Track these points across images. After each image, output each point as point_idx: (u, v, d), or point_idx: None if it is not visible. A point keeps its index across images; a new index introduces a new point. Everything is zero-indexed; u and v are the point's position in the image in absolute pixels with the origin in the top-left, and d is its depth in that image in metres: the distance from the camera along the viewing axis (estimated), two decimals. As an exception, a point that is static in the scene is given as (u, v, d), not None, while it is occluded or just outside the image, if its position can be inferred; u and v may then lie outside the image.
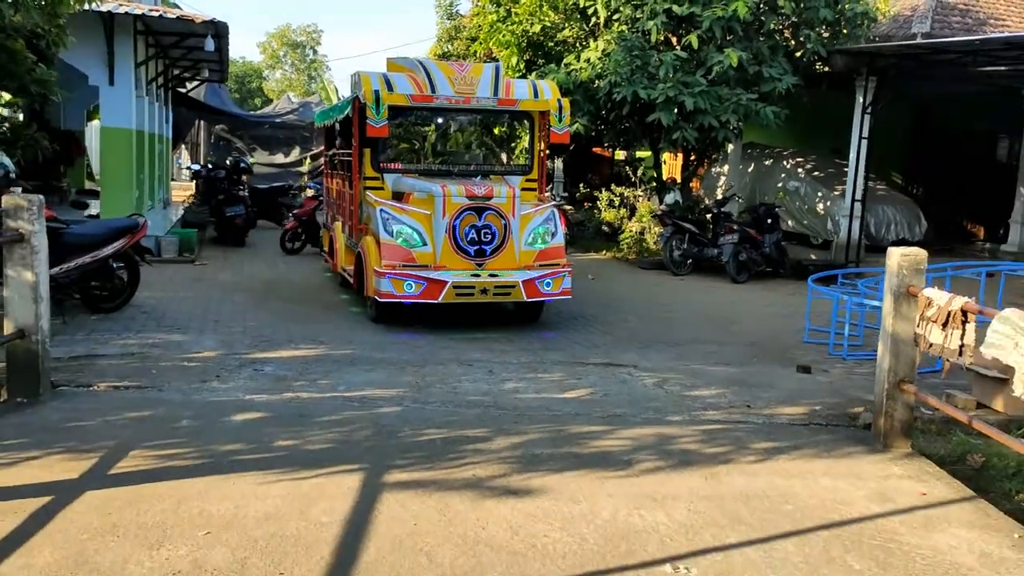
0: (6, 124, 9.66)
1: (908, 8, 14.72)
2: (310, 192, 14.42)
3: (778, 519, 3.52)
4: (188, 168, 15.83)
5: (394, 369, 5.99)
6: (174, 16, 10.72)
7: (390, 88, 7.90)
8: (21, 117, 12.93)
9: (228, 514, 3.30)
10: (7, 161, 7.29)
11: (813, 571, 3.07)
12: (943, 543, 3.36)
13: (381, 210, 7.64)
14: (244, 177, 15.48)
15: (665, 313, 9.44)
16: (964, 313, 3.92)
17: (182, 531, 3.13)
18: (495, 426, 4.62)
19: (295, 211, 13.73)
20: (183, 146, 28.07)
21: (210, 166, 16.34)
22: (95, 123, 18.50)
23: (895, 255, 4.47)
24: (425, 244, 7.52)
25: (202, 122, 25.78)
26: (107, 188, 11.87)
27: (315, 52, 60.59)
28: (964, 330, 3.91)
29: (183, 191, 20.04)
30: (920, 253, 4.41)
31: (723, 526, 3.42)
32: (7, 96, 10.20)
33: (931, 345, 4.12)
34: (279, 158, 24.34)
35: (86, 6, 6.45)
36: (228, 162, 15.59)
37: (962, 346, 3.92)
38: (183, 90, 20.30)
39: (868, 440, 4.63)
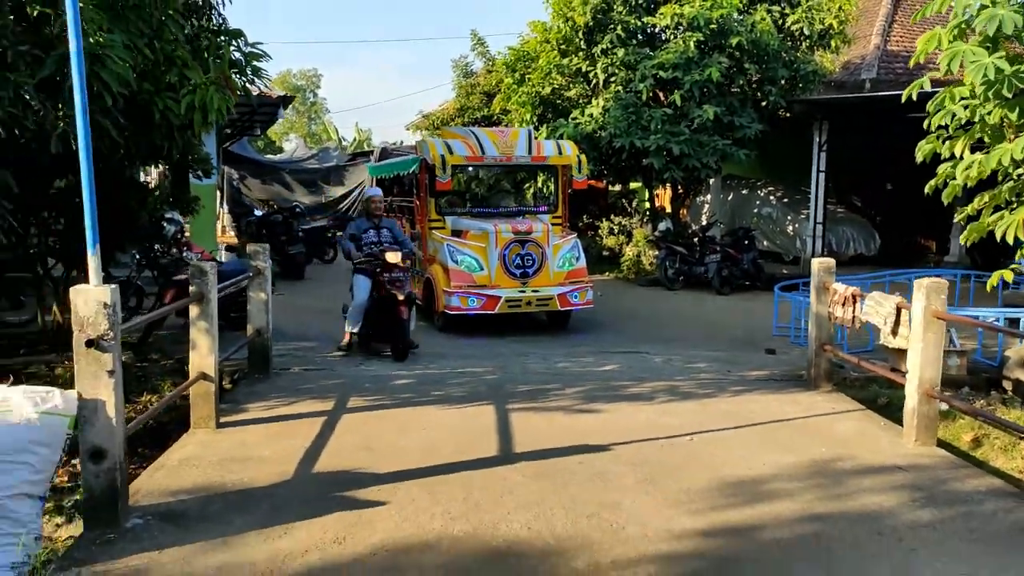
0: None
1: (858, 57, 17.36)
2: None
3: (743, 420, 5.98)
4: (251, 214, 18.24)
5: (475, 359, 8.39)
6: (259, 93, 13.20)
7: (451, 151, 10.41)
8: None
9: (433, 421, 5.76)
10: (178, 216, 9.69)
11: (762, 437, 5.53)
12: (839, 427, 5.84)
13: (447, 244, 10.11)
14: (294, 221, 17.94)
15: (663, 319, 11.92)
16: (854, 296, 6.42)
17: (412, 429, 5.58)
18: (562, 383, 7.08)
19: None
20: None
21: (269, 211, 18.75)
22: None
23: (815, 263, 6.99)
24: (483, 269, 9.98)
25: (225, 168, 28.19)
26: (196, 236, 14.28)
27: (315, 95, 63.59)
28: (854, 307, 6.41)
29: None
30: (829, 261, 6.94)
31: (711, 423, 5.87)
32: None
33: (836, 318, 6.62)
34: (302, 199, 26.73)
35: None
36: (286, 207, 18.06)
37: (853, 317, 6.41)
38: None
39: (805, 385, 7.10)
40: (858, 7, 15.30)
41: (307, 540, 3.84)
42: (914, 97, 6.29)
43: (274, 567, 3.58)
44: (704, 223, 16.57)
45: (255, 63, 8.12)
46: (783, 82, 14.31)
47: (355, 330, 8.38)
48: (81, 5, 5.61)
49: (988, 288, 6.79)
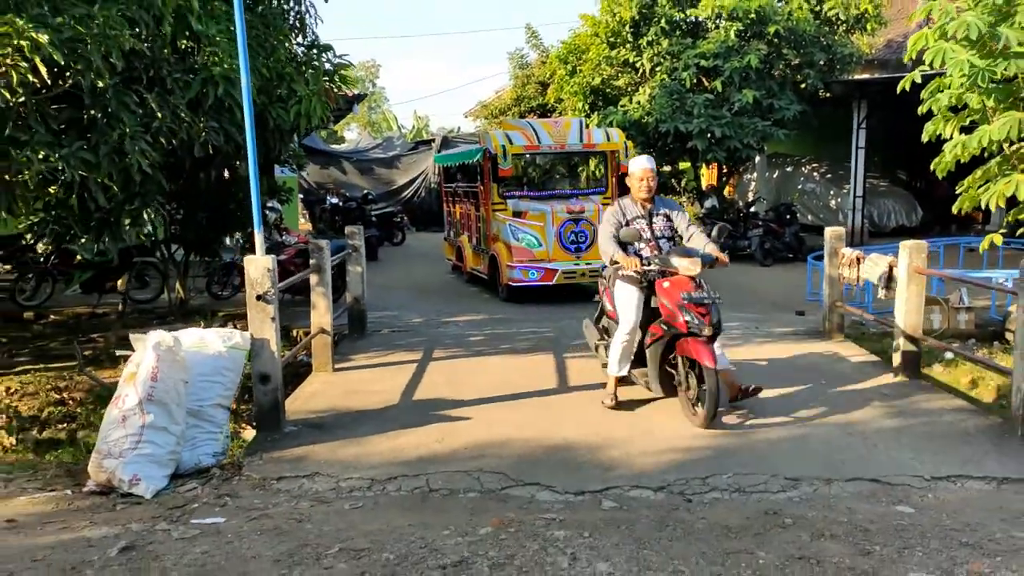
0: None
1: (900, 35, 18.05)
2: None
3: (766, 355, 7.17)
4: (330, 201, 19.84)
5: (538, 324, 9.66)
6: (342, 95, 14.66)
7: (511, 141, 11.69)
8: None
9: (503, 365, 7.13)
10: (277, 205, 11.21)
11: (772, 373, 6.72)
12: (840, 366, 6.99)
13: (509, 224, 11.42)
14: (367, 207, 19.52)
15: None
16: (858, 259, 7.53)
17: (486, 371, 6.95)
18: (610, 338, 8.35)
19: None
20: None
21: (344, 199, 20.31)
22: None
23: (828, 232, 8.11)
24: (541, 245, 11.27)
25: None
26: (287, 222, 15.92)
27: (374, 85, 65.48)
28: (859, 268, 7.52)
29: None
30: (839, 229, 8.06)
31: (738, 358, 7.07)
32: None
33: (844, 277, 7.74)
34: (357, 183, 28.13)
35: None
36: (359, 195, 19.65)
37: (858, 276, 7.53)
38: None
39: (821, 337, 8.23)
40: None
41: (415, 440, 5.24)
42: (907, 88, 7.35)
43: (395, 455, 4.98)
44: (749, 200, 17.55)
45: (342, 72, 9.56)
46: (821, 65, 15.17)
47: (623, 372, 5.75)
48: (219, 38, 7.12)
49: (981, 251, 7.81)
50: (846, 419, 5.54)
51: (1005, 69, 6.59)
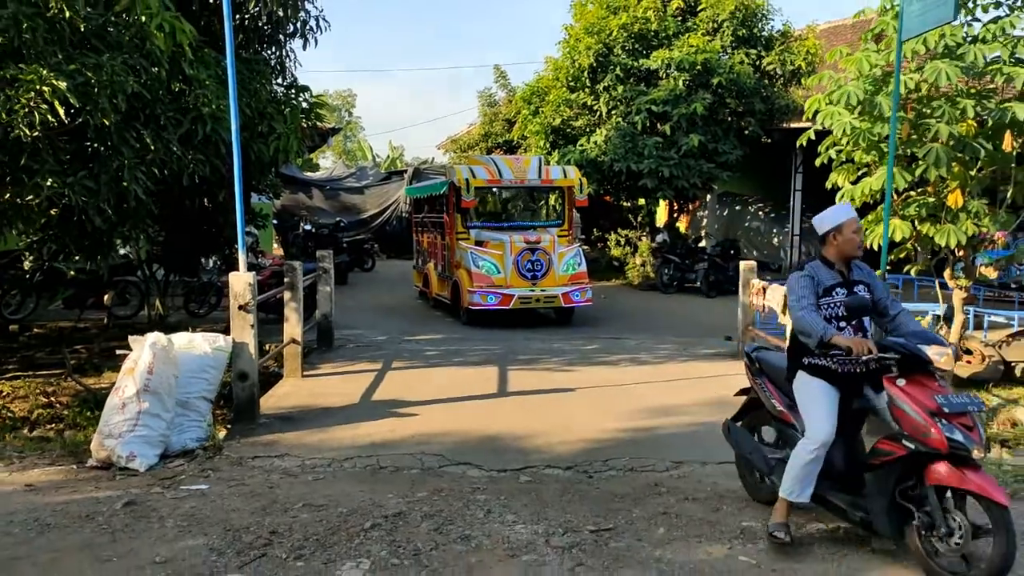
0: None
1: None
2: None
3: (678, 376, 8.22)
4: (304, 228, 20.75)
5: (490, 343, 10.65)
6: (323, 127, 15.67)
7: (474, 175, 12.73)
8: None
9: (453, 375, 8.10)
10: (254, 230, 12.13)
11: (686, 386, 7.76)
12: (743, 378, 8.03)
13: (471, 252, 12.43)
14: (339, 234, 20.48)
15: (653, 316, 14.12)
16: (764, 288, 8.64)
17: (438, 378, 7.92)
18: (551, 355, 9.38)
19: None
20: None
21: (318, 226, 21.22)
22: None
23: (742, 265, 9.22)
24: (500, 272, 12.28)
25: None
26: (262, 246, 16.83)
27: (350, 114, 66.77)
28: (764, 296, 8.62)
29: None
30: (751, 263, 9.16)
31: (652, 377, 8.12)
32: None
33: (754, 305, 8.84)
34: (321, 205, 28.89)
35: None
36: (332, 222, 20.61)
37: (763, 304, 8.63)
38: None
39: (735, 356, 9.30)
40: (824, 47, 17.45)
41: (370, 431, 6.19)
42: (804, 144, 8.54)
43: (352, 442, 5.93)
44: (697, 236, 18.79)
45: (318, 110, 10.60)
46: (761, 113, 16.49)
47: (804, 499, 4.16)
48: (208, 82, 8.11)
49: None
50: (735, 420, 6.58)
51: (881, 130, 7.79)
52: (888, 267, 8.90)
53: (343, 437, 6.04)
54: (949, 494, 3.77)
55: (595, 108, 16.98)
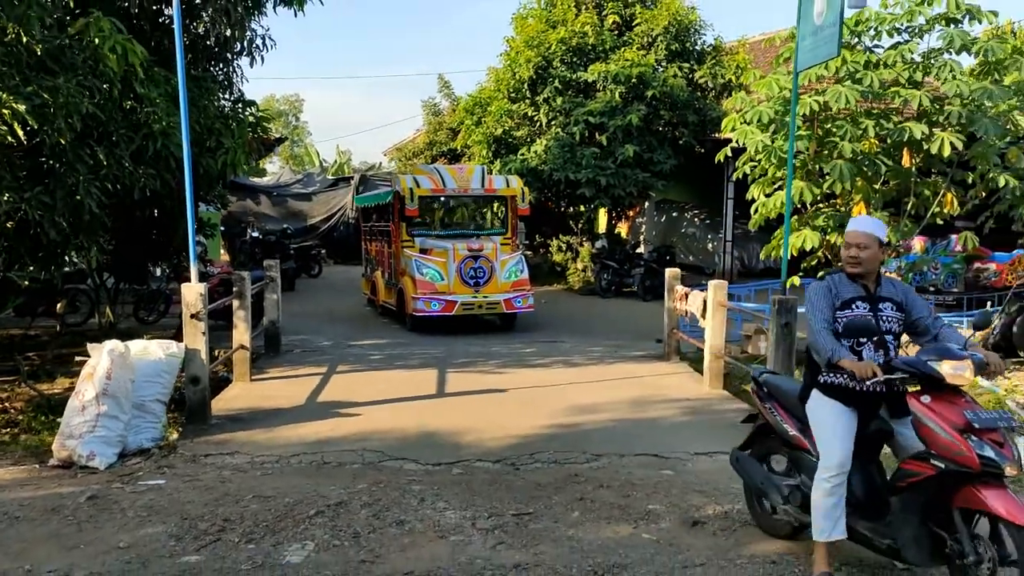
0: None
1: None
2: None
3: (605, 377, 8.84)
4: (250, 235, 20.94)
5: (432, 348, 11.15)
6: (269, 139, 15.98)
7: (418, 184, 13.19)
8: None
9: (395, 377, 8.59)
10: (203, 239, 12.42)
11: (612, 386, 8.38)
12: (667, 380, 8.71)
13: (415, 259, 12.90)
14: (287, 241, 20.75)
15: (590, 320, 14.75)
16: (686, 295, 9.32)
17: (380, 381, 8.40)
18: (488, 358, 9.93)
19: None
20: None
21: (265, 232, 21.43)
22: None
23: (667, 272, 9.91)
24: (443, 279, 12.74)
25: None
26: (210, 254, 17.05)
27: (297, 119, 66.51)
28: (688, 302, 9.29)
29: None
30: (675, 270, 9.87)
31: (582, 378, 8.72)
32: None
33: (678, 310, 9.52)
34: (268, 212, 28.99)
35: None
36: (279, 229, 20.87)
37: (686, 309, 9.31)
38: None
39: (662, 358, 9.98)
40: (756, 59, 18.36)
41: (315, 429, 6.67)
42: (722, 160, 9.27)
43: (298, 440, 6.40)
44: (635, 242, 19.55)
45: (264, 123, 11.00)
46: (694, 124, 17.29)
47: (839, 535, 3.89)
48: (158, 100, 8.48)
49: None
50: (653, 415, 7.23)
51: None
52: (802, 274, 9.70)
53: (290, 435, 6.50)
54: (981, 518, 3.57)
55: (535, 119, 17.60)
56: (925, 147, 8.40)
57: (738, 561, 4.26)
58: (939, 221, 9.51)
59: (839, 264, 4.19)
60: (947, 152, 8.08)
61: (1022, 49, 8.58)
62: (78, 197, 7.55)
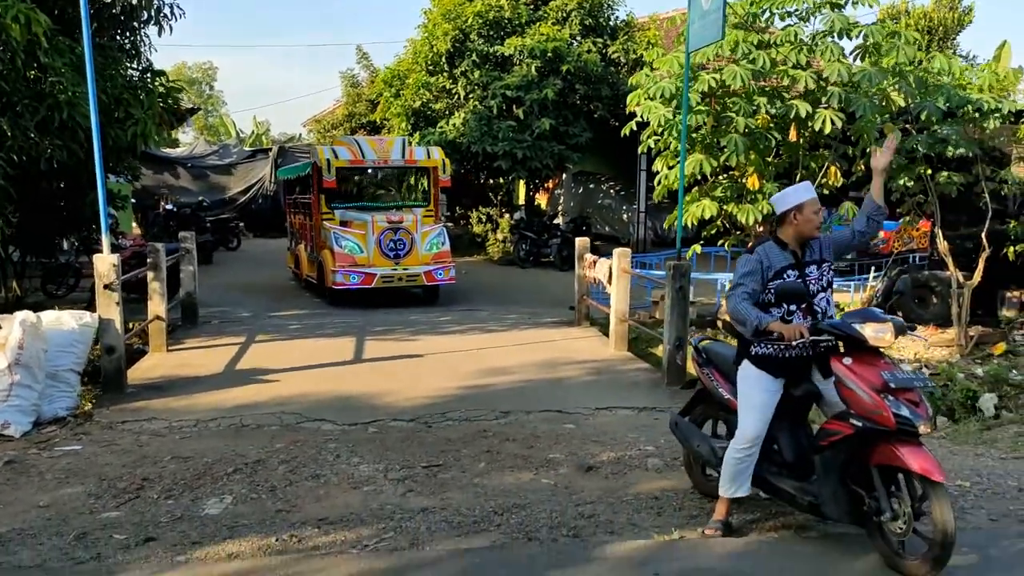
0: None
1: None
2: None
3: (517, 342, 9.23)
4: (164, 208, 20.50)
5: (351, 317, 11.32)
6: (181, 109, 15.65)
7: (336, 156, 13.21)
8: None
9: (313, 345, 8.78)
10: (114, 212, 12.24)
11: (523, 350, 8.77)
12: (577, 344, 9.15)
13: (334, 232, 12.96)
14: (202, 213, 20.43)
15: (509, 289, 15.11)
16: (594, 262, 9.76)
17: (298, 349, 8.59)
18: (405, 326, 10.21)
19: None
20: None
21: (179, 205, 21.03)
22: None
23: (577, 242, 10.32)
24: (363, 251, 12.82)
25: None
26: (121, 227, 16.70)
27: (211, 88, 64.59)
28: (596, 270, 9.73)
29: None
30: (585, 240, 10.30)
31: (495, 343, 9.09)
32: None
33: (587, 277, 9.96)
34: (188, 186, 28.38)
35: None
36: (195, 201, 20.53)
37: (595, 277, 9.75)
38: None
39: (573, 324, 10.42)
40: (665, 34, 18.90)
41: (234, 395, 6.85)
42: (627, 134, 9.70)
43: (216, 405, 6.58)
44: (553, 213, 20.00)
45: (175, 94, 10.90)
46: (608, 98, 17.75)
47: (743, 492, 4.17)
48: (63, 69, 8.38)
49: (688, 257, 10.24)
50: (560, 375, 7.66)
51: (690, 121, 9.00)
52: (702, 242, 10.24)
53: (208, 402, 6.67)
54: (901, 476, 3.73)
55: (454, 92, 17.77)
56: (810, 124, 8.98)
57: (625, 498, 4.70)
58: (825, 191, 10.16)
59: (761, 232, 4.41)
60: (828, 129, 8.67)
61: (898, 32, 9.20)
62: (-18, 169, 7.47)
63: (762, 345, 4.04)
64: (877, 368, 3.75)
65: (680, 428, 4.74)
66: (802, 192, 4.11)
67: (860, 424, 3.71)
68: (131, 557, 3.92)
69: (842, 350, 3.92)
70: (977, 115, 9.31)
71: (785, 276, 4.03)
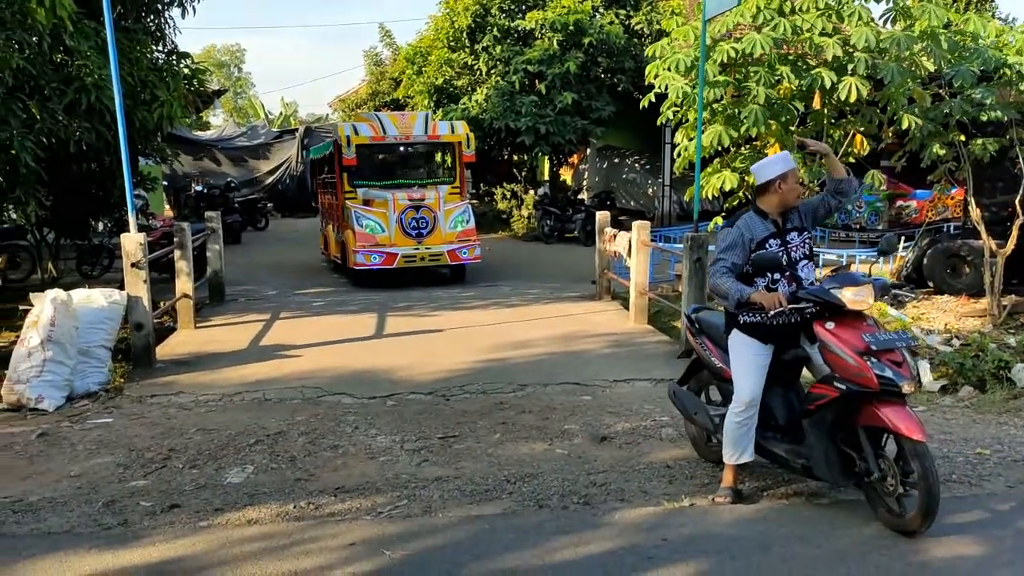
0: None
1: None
2: None
3: (537, 316, 9.29)
4: (195, 189, 20.82)
5: (374, 295, 11.47)
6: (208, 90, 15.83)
7: (356, 132, 13.24)
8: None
9: (336, 320, 8.94)
10: (144, 193, 12.45)
11: (544, 324, 8.84)
12: (597, 318, 9.20)
13: (355, 211, 13.05)
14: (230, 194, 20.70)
15: (534, 265, 15.16)
16: (614, 236, 9.77)
17: (321, 325, 8.74)
18: (428, 301, 10.33)
19: None
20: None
21: (208, 186, 21.32)
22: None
23: (598, 216, 10.32)
24: (384, 231, 12.85)
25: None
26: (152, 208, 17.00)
27: (240, 71, 64.99)
28: (616, 243, 9.75)
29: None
30: (605, 214, 10.28)
31: (515, 318, 9.16)
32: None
33: (607, 251, 9.98)
34: (230, 172, 28.87)
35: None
36: (223, 183, 20.81)
37: (615, 250, 9.77)
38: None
39: (595, 298, 10.46)
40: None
41: (257, 370, 7.02)
42: (645, 105, 9.66)
43: (241, 380, 6.75)
44: (577, 188, 19.96)
45: (200, 76, 11.05)
46: (631, 71, 17.62)
47: (748, 458, 4.22)
48: (89, 52, 8.53)
49: (710, 230, 10.21)
50: (579, 348, 7.72)
51: (708, 93, 8.94)
52: (724, 214, 10.19)
53: (233, 376, 6.84)
54: (889, 439, 3.81)
55: (475, 68, 17.75)
56: (835, 92, 8.86)
57: (637, 468, 4.77)
58: (851, 160, 10.03)
59: (745, 200, 4.49)
60: (853, 97, 8.56)
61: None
62: (12, 151, 7.66)
63: (748, 314, 4.11)
64: (859, 331, 3.81)
65: (678, 396, 4.81)
66: (787, 161, 4.16)
67: (844, 387, 3.80)
68: (156, 523, 4.08)
69: (826, 315, 3.96)
70: (1016, 77, 9.11)
71: (768, 245, 4.08)
